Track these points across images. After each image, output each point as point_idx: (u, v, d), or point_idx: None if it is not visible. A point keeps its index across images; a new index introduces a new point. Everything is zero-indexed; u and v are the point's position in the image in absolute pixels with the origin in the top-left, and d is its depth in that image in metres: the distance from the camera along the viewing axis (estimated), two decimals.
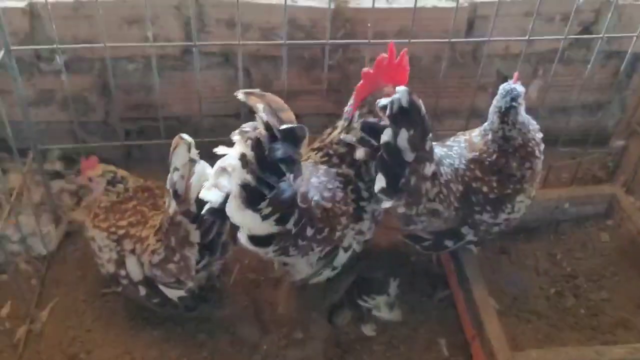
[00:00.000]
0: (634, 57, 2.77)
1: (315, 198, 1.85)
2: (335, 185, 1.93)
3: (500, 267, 2.43)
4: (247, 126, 1.60)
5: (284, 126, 1.56)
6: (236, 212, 1.60)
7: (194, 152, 1.77)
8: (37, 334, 2.13)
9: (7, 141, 2.09)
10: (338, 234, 1.94)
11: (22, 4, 2.36)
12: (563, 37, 2.36)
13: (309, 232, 1.83)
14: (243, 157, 1.56)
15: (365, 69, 1.91)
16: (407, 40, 2.26)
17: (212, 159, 1.66)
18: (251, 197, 1.58)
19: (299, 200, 1.73)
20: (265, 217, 1.63)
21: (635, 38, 2.42)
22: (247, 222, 1.64)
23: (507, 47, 2.68)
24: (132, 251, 1.99)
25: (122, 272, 2.02)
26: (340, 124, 2.00)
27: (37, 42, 2.42)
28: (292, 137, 1.58)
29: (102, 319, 2.20)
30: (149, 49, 2.31)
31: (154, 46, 2.27)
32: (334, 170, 1.95)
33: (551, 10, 2.60)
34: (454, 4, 2.56)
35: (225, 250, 1.97)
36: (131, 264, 1.99)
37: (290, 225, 1.72)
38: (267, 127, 1.54)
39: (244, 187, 1.56)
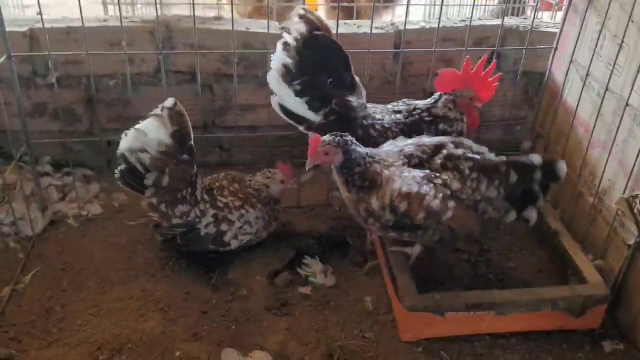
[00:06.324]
0: (540, 76, 3.27)
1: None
2: None
3: None
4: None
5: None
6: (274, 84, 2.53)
7: None
8: (20, 293, 2.48)
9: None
10: None
11: (24, 29, 2.88)
12: (464, 49, 2.86)
13: None
14: (285, 44, 2.49)
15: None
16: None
17: None
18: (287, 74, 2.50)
19: None
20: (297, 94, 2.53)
21: (524, 51, 2.93)
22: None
23: (429, 69, 3.16)
24: None
25: None
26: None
27: (34, 60, 2.93)
28: None
29: (76, 283, 2.56)
30: (127, 67, 2.79)
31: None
32: None
33: (464, 37, 3.11)
34: (383, 32, 3.10)
35: None
36: None
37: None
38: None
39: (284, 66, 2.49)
